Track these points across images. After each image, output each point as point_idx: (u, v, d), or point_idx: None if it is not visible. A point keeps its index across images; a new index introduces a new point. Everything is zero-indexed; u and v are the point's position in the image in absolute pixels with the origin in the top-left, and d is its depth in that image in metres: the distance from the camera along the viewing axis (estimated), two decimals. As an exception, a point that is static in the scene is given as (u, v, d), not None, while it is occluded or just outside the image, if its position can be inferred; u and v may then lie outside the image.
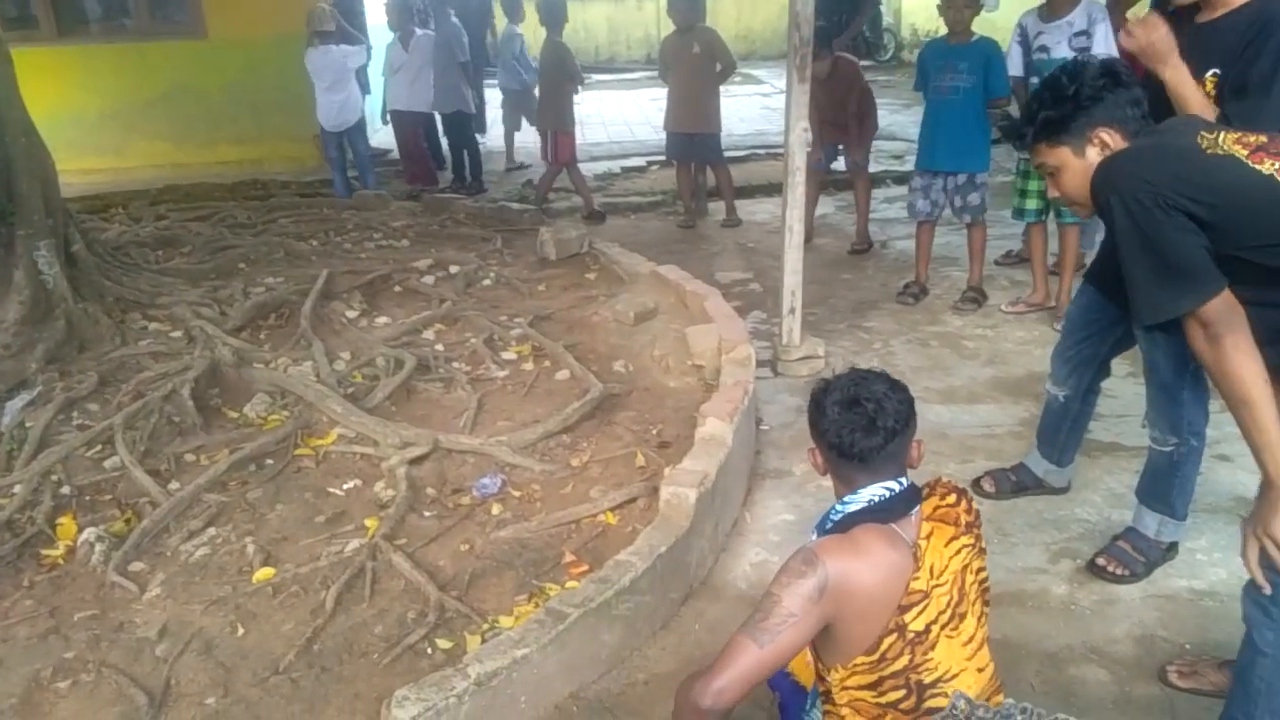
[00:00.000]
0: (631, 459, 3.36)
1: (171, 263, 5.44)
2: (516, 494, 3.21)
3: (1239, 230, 1.81)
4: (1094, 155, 2.03)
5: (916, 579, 1.73)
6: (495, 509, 3.13)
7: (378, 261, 5.50)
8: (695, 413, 3.50)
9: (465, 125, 8.50)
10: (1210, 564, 2.95)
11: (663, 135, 7.37)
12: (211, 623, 2.64)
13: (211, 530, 3.05)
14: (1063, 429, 3.20)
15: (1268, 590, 1.88)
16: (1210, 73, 2.51)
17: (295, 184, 8.09)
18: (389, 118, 9.00)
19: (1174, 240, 1.82)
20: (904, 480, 1.81)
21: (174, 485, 3.26)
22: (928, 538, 1.79)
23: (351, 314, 4.69)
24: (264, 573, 2.83)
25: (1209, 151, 1.86)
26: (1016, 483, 3.32)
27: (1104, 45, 4.29)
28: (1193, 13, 2.57)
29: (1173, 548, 2.93)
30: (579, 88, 7.87)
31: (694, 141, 7.04)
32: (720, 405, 3.31)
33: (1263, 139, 1.88)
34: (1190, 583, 2.87)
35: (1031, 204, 4.86)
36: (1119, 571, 2.87)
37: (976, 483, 3.36)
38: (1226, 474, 3.39)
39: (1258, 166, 1.81)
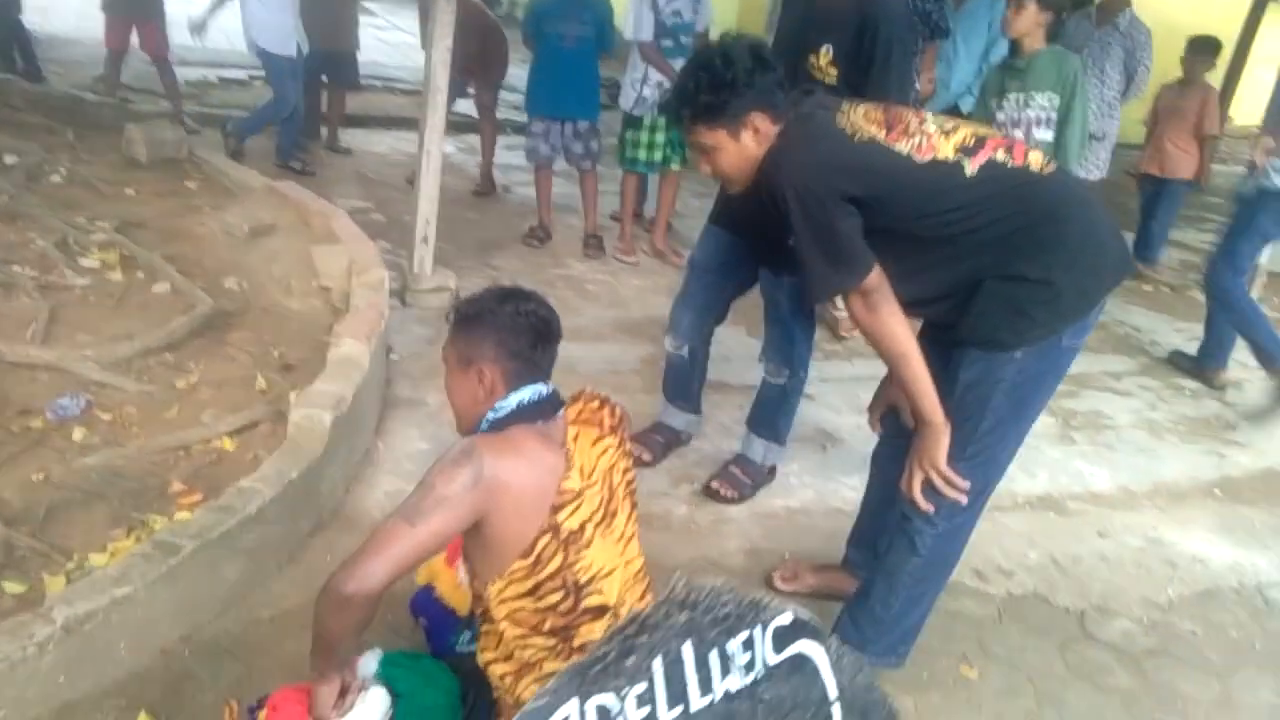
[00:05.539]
0: (250, 382, 3.02)
1: None
2: (105, 417, 2.74)
3: (890, 206, 2.03)
4: (748, 139, 2.10)
5: (568, 479, 1.76)
6: (78, 434, 2.64)
7: (-103, 142, 4.39)
8: (323, 336, 3.25)
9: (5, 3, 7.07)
10: (801, 485, 3.33)
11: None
12: None
13: None
14: (694, 379, 3.31)
15: (932, 510, 2.13)
16: (824, 47, 2.82)
17: None
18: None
19: (841, 227, 2.00)
20: (550, 385, 1.86)
21: None
22: (575, 440, 1.85)
23: None
24: None
25: (856, 139, 2.03)
26: (664, 443, 3.34)
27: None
28: None
29: (773, 471, 3.26)
30: None
31: (332, 59, 6.52)
32: (356, 326, 3.09)
33: (882, 113, 2.10)
34: (786, 501, 3.22)
35: (643, 154, 5.16)
36: (730, 494, 3.13)
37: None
38: (812, 410, 3.85)
39: (895, 146, 2.02)
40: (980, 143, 2.03)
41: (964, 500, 2.12)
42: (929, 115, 2.15)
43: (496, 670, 1.84)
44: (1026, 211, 1.99)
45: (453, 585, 2.26)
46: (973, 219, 2.00)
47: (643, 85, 4.99)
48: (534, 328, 1.83)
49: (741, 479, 3.17)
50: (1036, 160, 2.05)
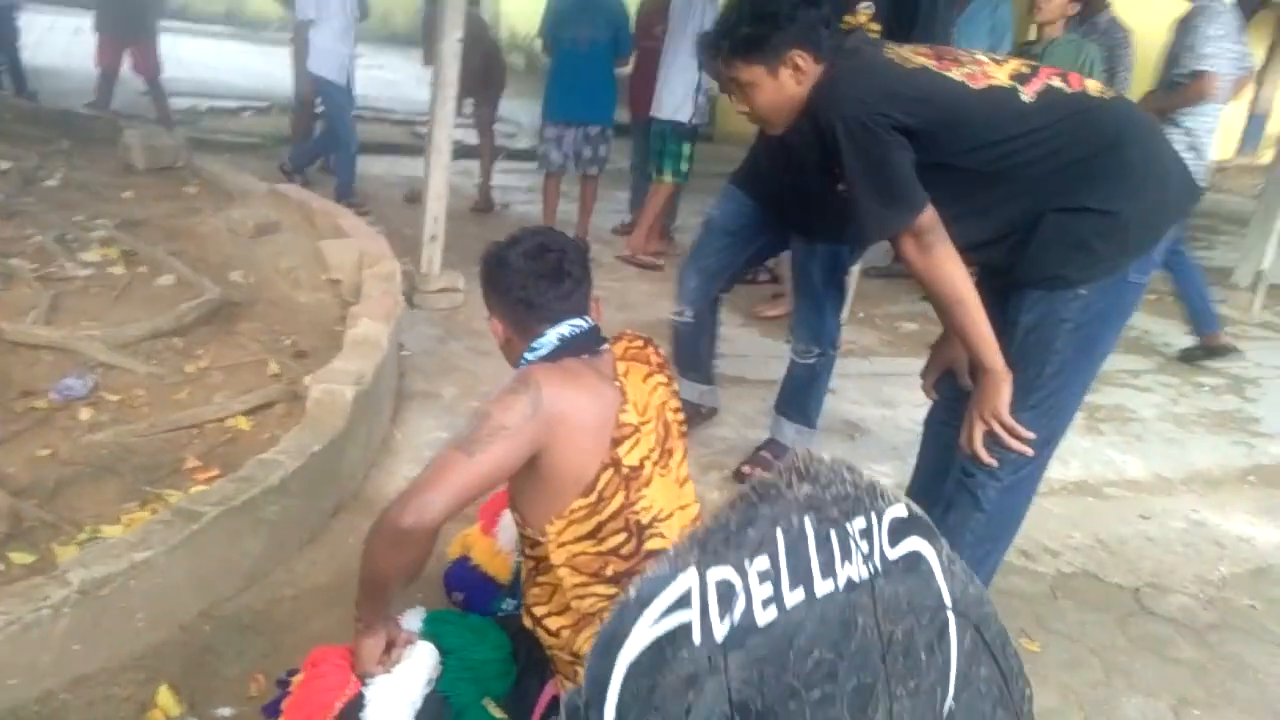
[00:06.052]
0: (262, 367, 2.90)
1: None
2: (114, 398, 2.61)
3: (945, 136, 1.93)
4: (786, 76, 2.03)
5: (625, 412, 1.67)
6: (85, 414, 2.51)
7: (-111, 150, 4.27)
8: (335, 326, 3.17)
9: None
10: (833, 473, 3.22)
11: (254, 82, 6.64)
12: None
13: None
14: (702, 347, 3.20)
15: (995, 463, 2.02)
16: (863, 4, 2.75)
17: None
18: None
19: (894, 159, 1.91)
20: (589, 319, 1.75)
21: None
22: (626, 375, 1.76)
23: None
24: None
25: (906, 66, 1.97)
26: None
27: None
28: None
29: (804, 457, 3.15)
30: None
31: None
32: (373, 309, 2.98)
33: (929, 48, 2.05)
34: (819, 488, 3.10)
35: (685, 166, 5.16)
36: (763, 478, 3.02)
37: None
38: (835, 404, 3.74)
39: (948, 74, 1.96)
40: (1034, 70, 1.97)
41: (1029, 452, 2.02)
42: (977, 50, 2.09)
43: (552, 624, 1.71)
44: (1087, 140, 1.91)
45: (491, 553, 2.15)
46: (1031, 149, 1.92)
47: (698, 93, 4.96)
48: (530, 270, 1.69)
49: (774, 463, 3.05)
50: (1095, 87, 1.99)
